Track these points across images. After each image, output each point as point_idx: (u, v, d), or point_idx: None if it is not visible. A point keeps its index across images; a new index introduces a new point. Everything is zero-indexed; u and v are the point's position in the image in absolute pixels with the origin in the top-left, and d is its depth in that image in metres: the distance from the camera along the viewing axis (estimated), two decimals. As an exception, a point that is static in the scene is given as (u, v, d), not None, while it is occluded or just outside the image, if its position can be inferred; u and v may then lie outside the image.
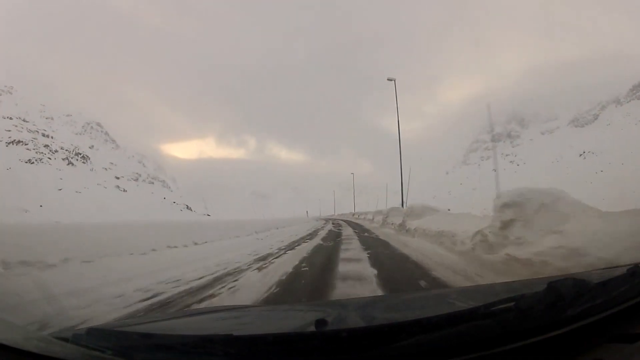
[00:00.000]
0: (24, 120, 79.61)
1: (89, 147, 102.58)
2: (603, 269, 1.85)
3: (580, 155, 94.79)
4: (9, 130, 72.21)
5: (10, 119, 75.67)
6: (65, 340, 0.91)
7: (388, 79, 18.46)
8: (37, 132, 78.55)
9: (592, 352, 0.84)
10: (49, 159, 73.43)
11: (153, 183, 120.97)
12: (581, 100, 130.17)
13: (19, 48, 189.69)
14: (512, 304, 0.87)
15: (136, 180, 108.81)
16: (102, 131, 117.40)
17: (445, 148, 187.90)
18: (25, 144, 71.83)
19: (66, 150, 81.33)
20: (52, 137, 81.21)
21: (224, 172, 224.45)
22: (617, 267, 1.54)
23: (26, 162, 67.05)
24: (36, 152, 71.83)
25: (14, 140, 70.85)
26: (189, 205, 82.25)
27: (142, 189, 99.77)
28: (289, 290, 3.75)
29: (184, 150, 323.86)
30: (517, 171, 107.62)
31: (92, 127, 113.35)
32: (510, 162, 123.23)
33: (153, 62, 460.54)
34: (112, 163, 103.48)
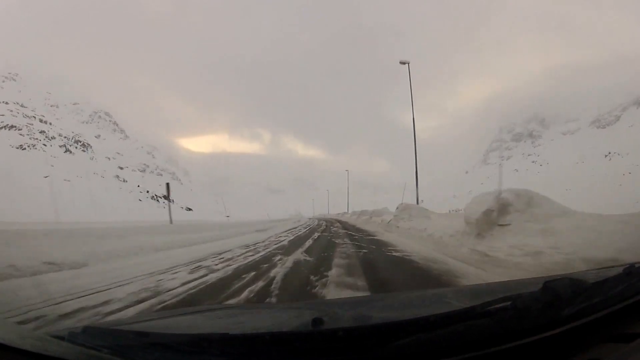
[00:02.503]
0: (21, 106, 76.40)
1: (95, 137, 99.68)
2: (599, 268, 1.82)
3: (606, 156, 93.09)
4: (3, 115, 68.92)
5: (7, 103, 72.45)
6: (62, 338, 0.90)
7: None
8: (34, 117, 75.06)
9: (589, 352, 0.84)
10: (44, 145, 69.55)
11: (162, 175, 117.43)
12: (601, 102, 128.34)
13: (28, 37, 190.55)
14: (509, 303, 0.87)
15: (143, 171, 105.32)
16: (110, 121, 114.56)
17: (465, 147, 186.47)
18: (19, 129, 68.27)
19: (65, 137, 77.62)
20: (50, 124, 77.64)
21: (238, 166, 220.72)
22: (613, 267, 1.51)
23: (17, 148, 63.31)
24: (30, 138, 68.07)
25: (7, 125, 67.39)
26: (169, 197, 73.76)
27: (149, 180, 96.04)
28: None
29: (199, 144, 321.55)
30: (539, 171, 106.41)
31: (99, 117, 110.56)
32: (533, 162, 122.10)
33: (169, 55, 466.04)
34: (118, 153, 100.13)
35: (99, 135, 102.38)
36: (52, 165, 62.04)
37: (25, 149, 64.74)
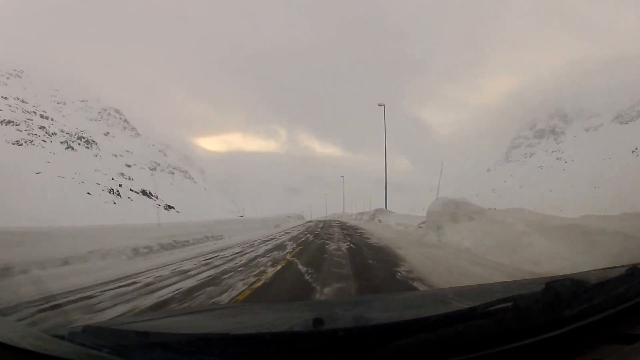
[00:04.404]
0: (22, 101, 72.91)
1: (104, 134, 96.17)
2: (601, 269, 1.83)
3: (633, 152, 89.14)
4: (0, 110, 65.33)
5: (6, 98, 68.98)
6: (61, 338, 0.90)
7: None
8: (35, 113, 71.22)
9: (590, 353, 0.83)
10: (43, 141, 65.38)
11: (173, 173, 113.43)
12: (621, 97, 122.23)
13: (35, 34, 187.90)
14: (510, 303, 0.86)
15: (153, 169, 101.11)
16: (120, 118, 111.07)
17: (486, 144, 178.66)
18: (17, 125, 64.42)
19: (67, 133, 73.58)
20: (52, 119, 73.75)
21: (254, 165, 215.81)
22: (615, 267, 1.52)
23: (13, 144, 59.25)
24: (28, 134, 64.03)
25: (4, 120, 63.64)
26: (148, 191, 62.86)
27: (159, 178, 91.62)
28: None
29: (216, 142, 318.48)
30: (565, 168, 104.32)
31: (109, 114, 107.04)
32: (557, 158, 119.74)
33: (183, 54, 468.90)
34: (127, 151, 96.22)
35: (108, 133, 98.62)
36: (49, 162, 57.63)
37: (21, 144, 60.69)
